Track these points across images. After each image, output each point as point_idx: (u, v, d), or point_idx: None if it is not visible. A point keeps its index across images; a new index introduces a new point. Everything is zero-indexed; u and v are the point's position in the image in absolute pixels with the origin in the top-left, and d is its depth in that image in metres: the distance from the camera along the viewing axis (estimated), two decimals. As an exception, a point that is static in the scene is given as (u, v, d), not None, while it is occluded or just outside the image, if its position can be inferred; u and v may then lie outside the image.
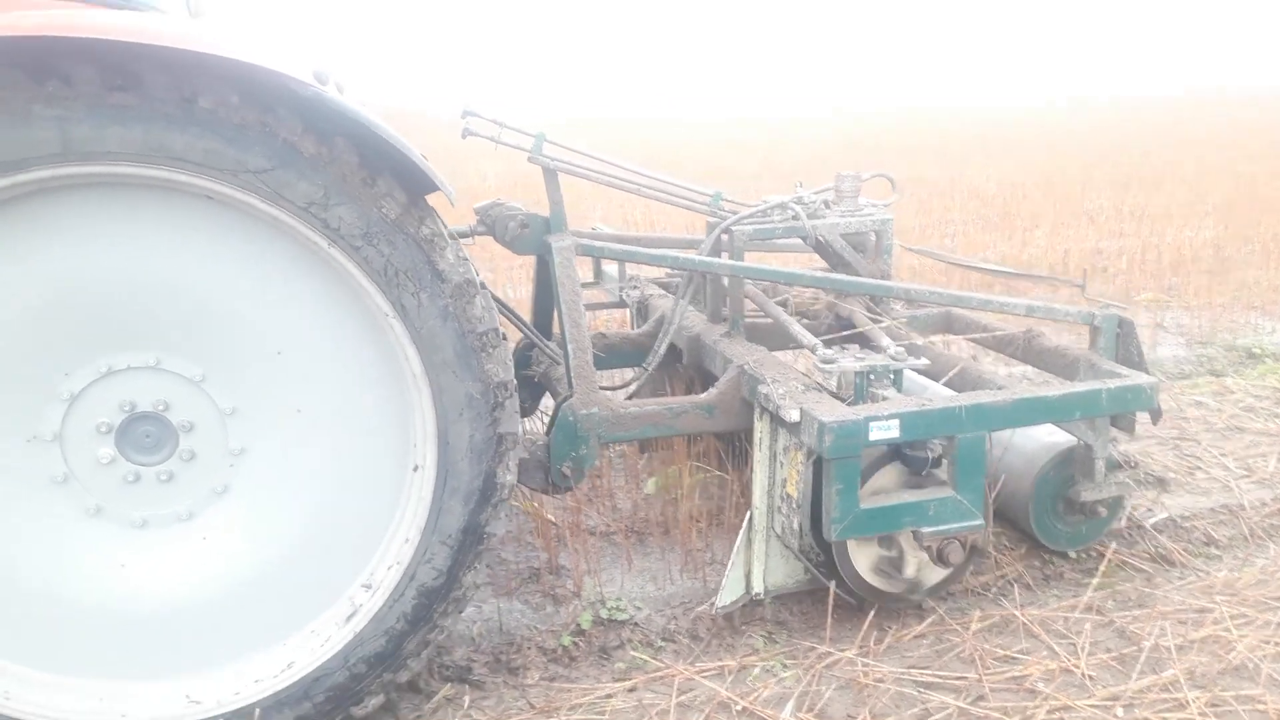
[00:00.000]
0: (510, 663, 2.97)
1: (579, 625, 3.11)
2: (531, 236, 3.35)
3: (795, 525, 2.94)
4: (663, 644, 3.05)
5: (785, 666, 2.90)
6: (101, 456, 2.38)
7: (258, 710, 2.45)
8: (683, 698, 2.76)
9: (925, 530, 2.89)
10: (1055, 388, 3.11)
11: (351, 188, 2.26)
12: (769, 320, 3.73)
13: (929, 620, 3.11)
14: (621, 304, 4.47)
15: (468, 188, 11.73)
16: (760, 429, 3.08)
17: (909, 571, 3.06)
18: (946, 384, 3.44)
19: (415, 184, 2.37)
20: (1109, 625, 3.07)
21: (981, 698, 2.71)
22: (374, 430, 2.49)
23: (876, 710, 2.67)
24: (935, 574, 3.09)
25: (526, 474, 3.10)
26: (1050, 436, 3.40)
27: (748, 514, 3.08)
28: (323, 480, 2.50)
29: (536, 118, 3.52)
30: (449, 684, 2.89)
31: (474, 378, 2.44)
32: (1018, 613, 3.11)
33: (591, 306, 4.61)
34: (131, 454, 2.40)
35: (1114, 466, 3.33)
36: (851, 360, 3.05)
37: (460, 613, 2.64)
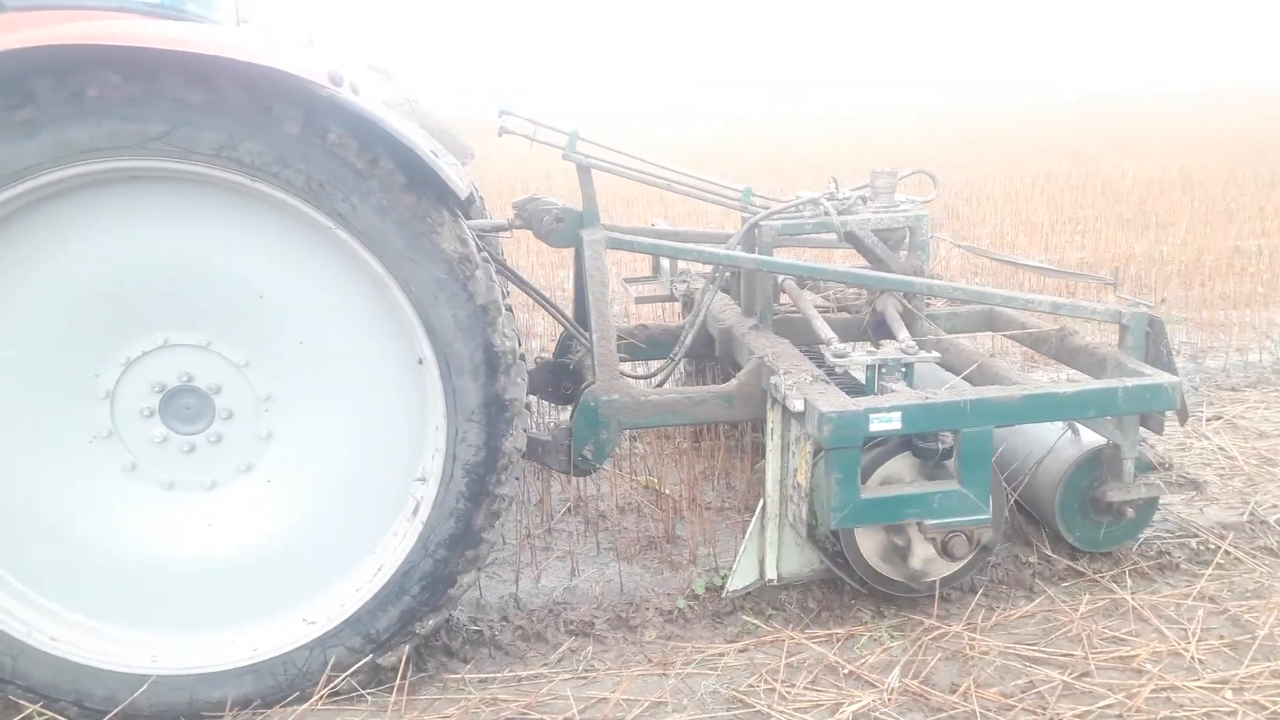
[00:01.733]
0: (629, 620, 3.16)
1: (694, 590, 3.29)
2: (566, 230, 3.48)
3: (804, 514, 3.01)
4: (773, 612, 3.20)
5: (892, 637, 3.01)
6: (155, 436, 2.66)
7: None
8: (791, 659, 2.91)
9: (929, 523, 2.93)
10: (1067, 385, 3.09)
11: (250, 121, 2.38)
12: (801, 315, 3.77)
13: (1037, 601, 3.17)
14: (673, 297, 4.60)
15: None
16: (772, 419, 3.14)
17: (916, 563, 3.09)
18: (965, 379, 3.42)
19: (308, 100, 2.42)
20: (1223, 613, 3.07)
21: (1086, 674, 2.77)
22: (371, 338, 2.66)
23: (981, 680, 2.76)
24: (945, 566, 3.10)
25: (551, 455, 3.27)
26: (1082, 435, 3.38)
27: (760, 502, 3.16)
28: (347, 398, 2.69)
29: (579, 121, 3.65)
30: (573, 637, 3.11)
31: (432, 259, 2.54)
32: (1129, 597, 3.15)
33: (645, 300, 4.76)
34: (180, 427, 2.68)
35: (1146, 468, 3.29)
36: (863, 354, 3.13)
37: (517, 479, 2.80)
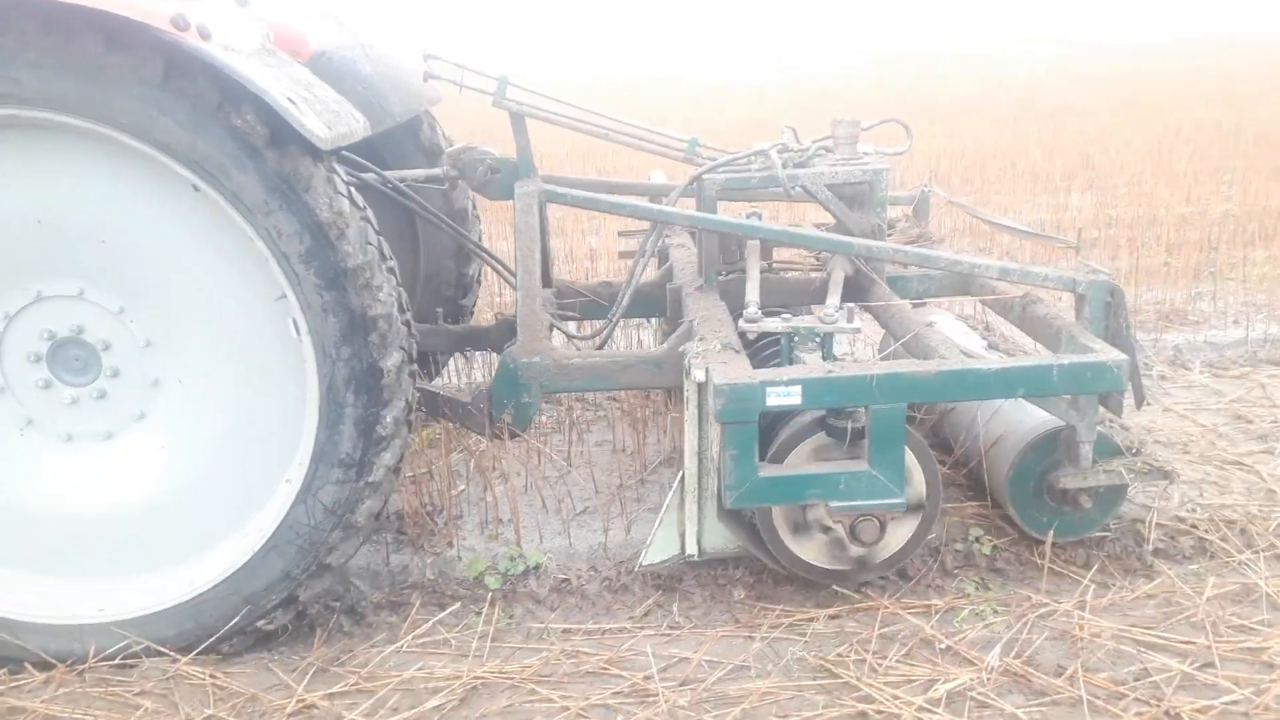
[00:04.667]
0: (718, 578, 3.07)
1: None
2: (503, 181, 3.35)
3: (716, 489, 2.82)
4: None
5: (995, 612, 2.84)
6: (65, 398, 2.70)
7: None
8: (885, 630, 2.78)
9: (834, 505, 2.73)
10: (994, 360, 2.84)
11: None
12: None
13: (1157, 582, 2.95)
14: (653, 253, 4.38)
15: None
16: (688, 387, 2.89)
17: (836, 547, 2.88)
18: (901, 349, 3.14)
19: (149, 42, 2.33)
20: (1371, 607, 2.80)
21: (1209, 665, 2.56)
22: (166, 214, 2.55)
23: (1090, 664, 2.58)
24: (873, 552, 2.88)
25: (469, 418, 3.17)
26: (1041, 413, 3.09)
27: (679, 474, 2.95)
28: (193, 282, 2.61)
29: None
30: (659, 592, 3.05)
31: (165, 109, 2.39)
32: (1262, 583, 2.90)
33: (628, 254, 4.54)
34: (75, 380, 2.70)
35: (1110, 452, 2.98)
36: (777, 321, 2.89)
37: (384, 286, 2.61)
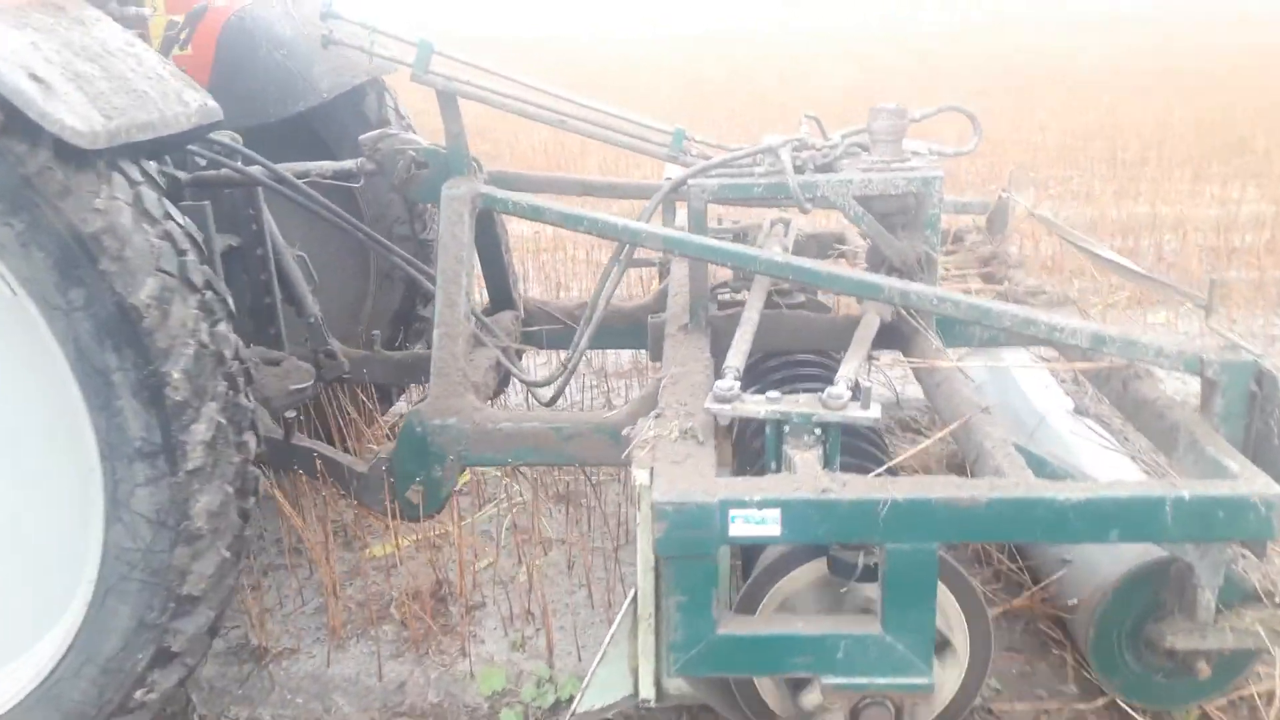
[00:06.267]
0: None
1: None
2: (432, 179, 2.73)
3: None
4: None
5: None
6: None
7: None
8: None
9: (828, 682, 1.93)
10: (1077, 487, 1.89)
11: None
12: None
13: None
14: (651, 263, 3.72)
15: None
16: (636, 482, 2.06)
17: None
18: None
19: None
20: None
21: None
22: None
23: None
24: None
25: (367, 493, 2.60)
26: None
27: (631, 593, 2.09)
28: None
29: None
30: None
31: None
32: None
33: (636, 263, 3.64)
34: None
35: (1244, 599, 2.05)
36: (760, 402, 2.01)
37: (164, 245, 2.00)
